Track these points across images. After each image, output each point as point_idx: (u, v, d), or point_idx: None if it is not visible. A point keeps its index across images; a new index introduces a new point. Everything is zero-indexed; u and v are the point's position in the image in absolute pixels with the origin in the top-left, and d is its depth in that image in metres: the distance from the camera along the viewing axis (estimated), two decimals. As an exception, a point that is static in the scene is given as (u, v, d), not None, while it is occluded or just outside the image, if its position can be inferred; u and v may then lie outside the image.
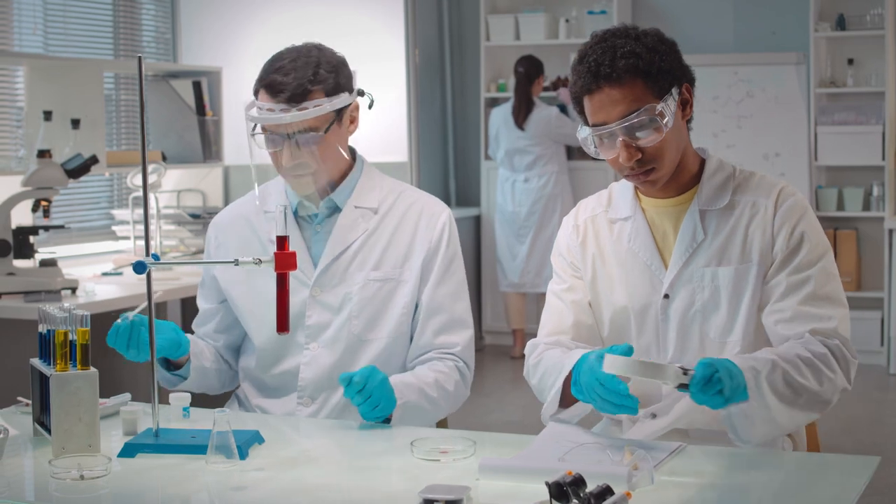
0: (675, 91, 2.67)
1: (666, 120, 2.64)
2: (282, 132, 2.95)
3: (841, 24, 8.28)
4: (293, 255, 2.54)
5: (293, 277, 3.02)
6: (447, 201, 9.46)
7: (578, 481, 2.07)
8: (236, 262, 2.61)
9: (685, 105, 2.73)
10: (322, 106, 2.94)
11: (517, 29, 9.02)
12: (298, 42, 3.06)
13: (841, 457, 2.55)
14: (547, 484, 2.07)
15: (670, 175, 2.75)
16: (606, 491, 2.05)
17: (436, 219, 3.12)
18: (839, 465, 2.54)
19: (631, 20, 8.98)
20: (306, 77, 2.94)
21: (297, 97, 2.93)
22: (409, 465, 2.46)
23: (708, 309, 2.75)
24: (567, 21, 8.94)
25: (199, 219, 6.06)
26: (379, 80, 6.23)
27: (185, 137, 6.42)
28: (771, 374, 2.52)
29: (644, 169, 2.70)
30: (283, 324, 2.56)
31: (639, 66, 2.63)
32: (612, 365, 2.40)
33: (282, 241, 2.54)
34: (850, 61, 8.37)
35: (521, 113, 8.41)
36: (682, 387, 2.38)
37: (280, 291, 2.55)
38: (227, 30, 6.87)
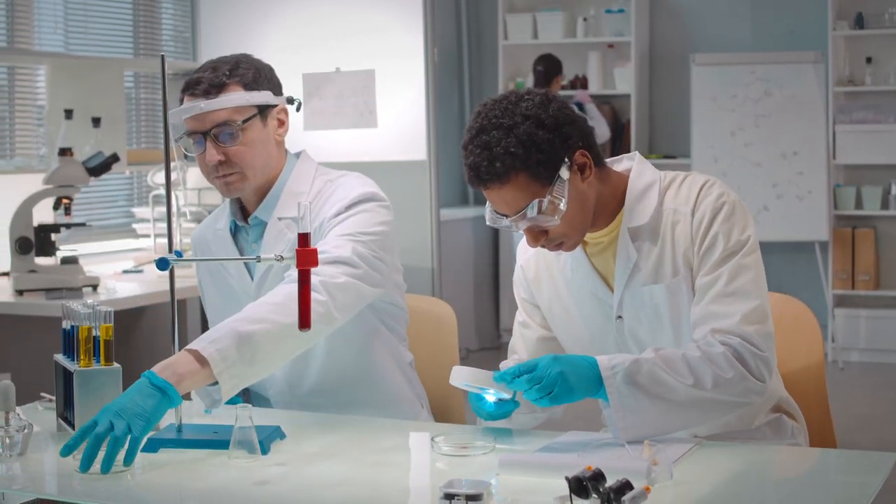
0: (564, 169, 2.59)
1: (559, 204, 2.58)
2: (201, 128, 2.96)
3: (859, 22, 8.27)
4: (314, 251, 2.54)
5: (234, 290, 3.10)
6: (465, 200, 9.48)
7: (598, 476, 2.08)
8: (258, 259, 2.62)
9: (584, 168, 2.63)
10: (239, 96, 2.96)
11: (535, 28, 9.02)
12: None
13: (858, 453, 2.55)
14: (567, 478, 2.08)
15: (584, 235, 2.71)
16: (626, 485, 2.06)
17: (337, 205, 3.00)
18: (857, 461, 2.55)
19: (648, 19, 8.98)
20: (222, 71, 2.97)
21: (213, 88, 2.95)
22: (430, 461, 2.48)
23: (654, 327, 2.72)
24: (585, 20, 8.95)
25: (219, 217, 6.07)
26: (397, 78, 6.24)
27: (204, 136, 6.44)
28: (638, 373, 2.50)
29: (554, 244, 2.67)
30: (305, 320, 2.57)
31: (516, 166, 2.55)
32: (456, 376, 2.59)
33: (304, 238, 2.55)
34: (869, 60, 8.36)
35: (540, 112, 8.40)
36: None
37: (302, 288, 2.56)
38: (245, 28, 6.88)
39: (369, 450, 2.63)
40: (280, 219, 3.04)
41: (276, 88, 3.06)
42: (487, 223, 2.67)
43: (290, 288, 2.69)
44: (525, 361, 2.55)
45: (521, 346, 2.95)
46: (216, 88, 2.95)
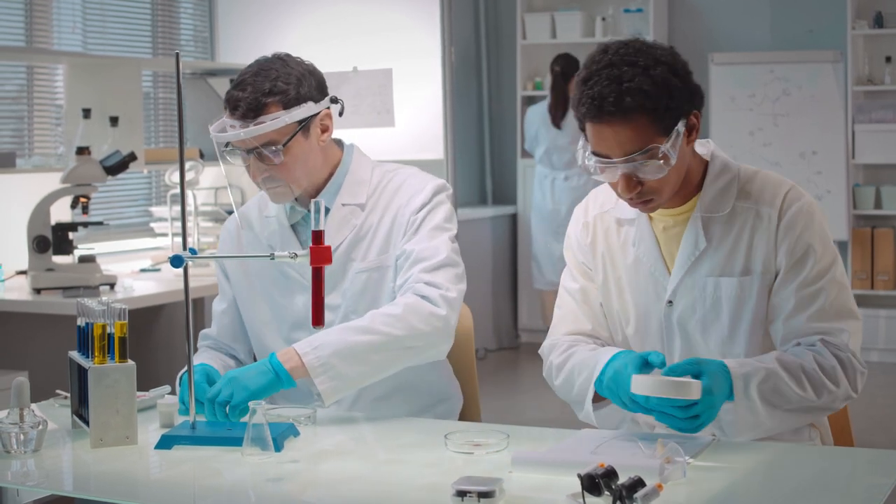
0: (681, 124, 2.55)
1: (671, 158, 2.54)
2: (243, 147, 2.93)
3: (878, 21, 8.24)
4: (328, 249, 2.55)
5: (295, 281, 3.05)
6: (483, 199, 9.47)
7: (610, 473, 2.08)
8: (272, 257, 2.63)
9: (691, 131, 2.61)
10: (279, 119, 2.89)
11: (553, 27, 9.02)
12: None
13: (873, 451, 2.55)
14: (579, 476, 2.08)
15: (669, 199, 2.68)
16: (638, 483, 2.06)
17: (417, 196, 3.05)
18: (872, 459, 2.54)
19: (667, 19, 8.96)
20: (261, 91, 2.89)
21: (251, 112, 2.89)
22: (443, 458, 2.47)
23: (708, 319, 2.70)
24: (603, 19, 8.93)
25: (236, 216, 6.08)
26: (415, 77, 6.25)
27: (222, 135, 6.46)
28: (763, 383, 2.52)
29: (643, 199, 2.63)
30: (318, 318, 2.57)
31: (646, 105, 2.49)
32: (639, 385, 2.44)
33: (318, 236, 2.55)
34: (888, 59, 8.32)
35: (559, 112, 8.39)
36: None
37: (315, 286, 2.56)
38: (263, 27, 6.90)
39: (382, 447, 2.64)
40: (344, 205, 3.06)
41: (319, 92, 2.99)
42: (578, 164, 2.62)
43: (409, 300, 2.89)
44: (690, 359, 2.52)
45: (581, 315, 2.86)
46: (254, 112, 2.88)
